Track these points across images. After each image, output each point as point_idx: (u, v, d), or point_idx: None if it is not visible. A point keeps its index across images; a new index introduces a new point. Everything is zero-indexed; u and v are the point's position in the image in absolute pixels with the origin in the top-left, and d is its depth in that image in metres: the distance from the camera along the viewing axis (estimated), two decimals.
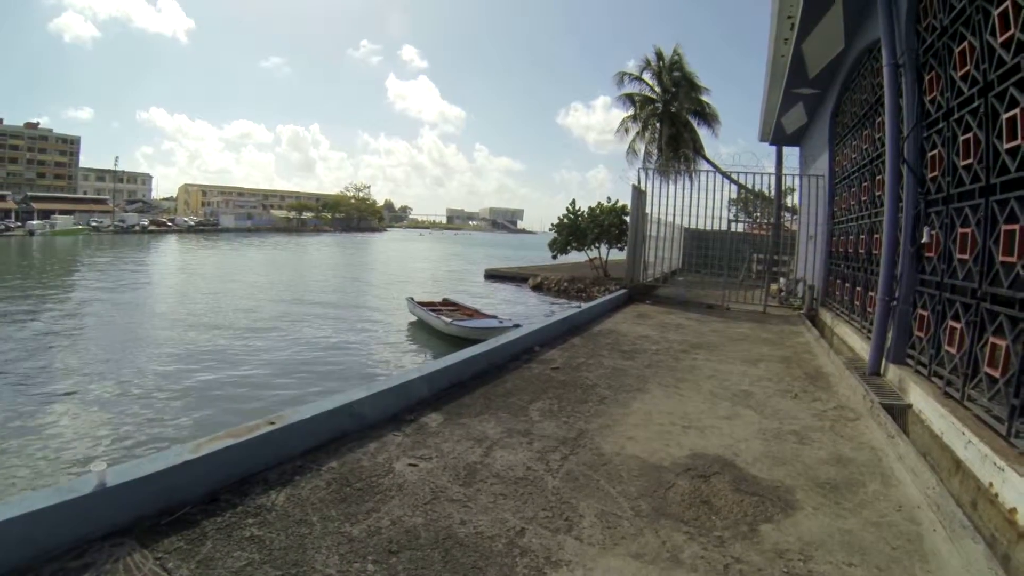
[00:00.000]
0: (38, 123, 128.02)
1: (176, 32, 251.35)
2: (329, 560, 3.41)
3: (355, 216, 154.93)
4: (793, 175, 19.34)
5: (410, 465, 4.73)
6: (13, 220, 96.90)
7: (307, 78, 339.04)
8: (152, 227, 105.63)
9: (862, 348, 9.27)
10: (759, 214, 31.79)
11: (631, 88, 39.45)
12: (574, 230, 31.65)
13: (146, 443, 9.74)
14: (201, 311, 23.05)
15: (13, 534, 3.19)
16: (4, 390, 12.61)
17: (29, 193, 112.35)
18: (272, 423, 4.74)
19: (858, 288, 10.80)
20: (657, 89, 39.06)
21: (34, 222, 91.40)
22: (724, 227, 18.56)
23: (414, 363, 15.10)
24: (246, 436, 4.49)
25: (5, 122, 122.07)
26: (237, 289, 30.83)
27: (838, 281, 12.93)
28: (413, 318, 20.96)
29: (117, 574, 3.26)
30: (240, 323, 20.35)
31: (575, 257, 33.66)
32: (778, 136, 20.96)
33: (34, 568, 3.23)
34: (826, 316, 13.37)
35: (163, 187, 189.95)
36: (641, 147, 39.03)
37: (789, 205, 24.97)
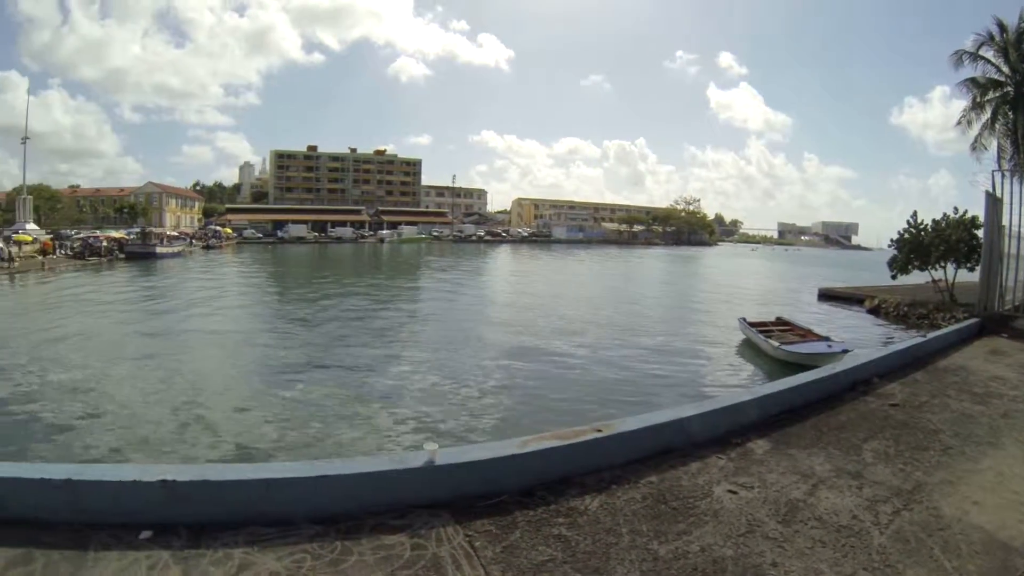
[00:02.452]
0: (385, 150, 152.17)
1: (498, 62, 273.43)
2: (629, 574, 3.41)
3: (685, 229, 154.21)
4: None
5: (730, 492, 4.57)
6: (367, 230, 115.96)
7: (627, 93, 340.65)
8: (488, 237, 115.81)
9: None
10: None
11: (970, 71, 32.84)
12: (916, 246, 27.74)
13: (471, 430, 10.47)
14: (532, 315, 24.56)
15: (350, 486, 4.13)
16: (355, 367, 14.82)
17: (380, 208, 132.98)
18: (599, 431, 4.88)
19: None
20: (1004, 69, 32.22)
21: (384, 232, 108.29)
22: None
23: (744, 385, 14.60)
24: (571, 440, 4.69)
25: (359, 150, 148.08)
26: (567, 297, 32.38)
27: None
28: (744, 337, 20.31)
29: (429, 539, 3.72)
30: (568, 329, 21.32)
31: (916, 277, 29.94)
32: None
33: (358, 517, 3.99)
34: None
35: (498, 201, 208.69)
36: (992, 142, 32.27)
37: None
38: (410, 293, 32.69)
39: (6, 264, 44.16)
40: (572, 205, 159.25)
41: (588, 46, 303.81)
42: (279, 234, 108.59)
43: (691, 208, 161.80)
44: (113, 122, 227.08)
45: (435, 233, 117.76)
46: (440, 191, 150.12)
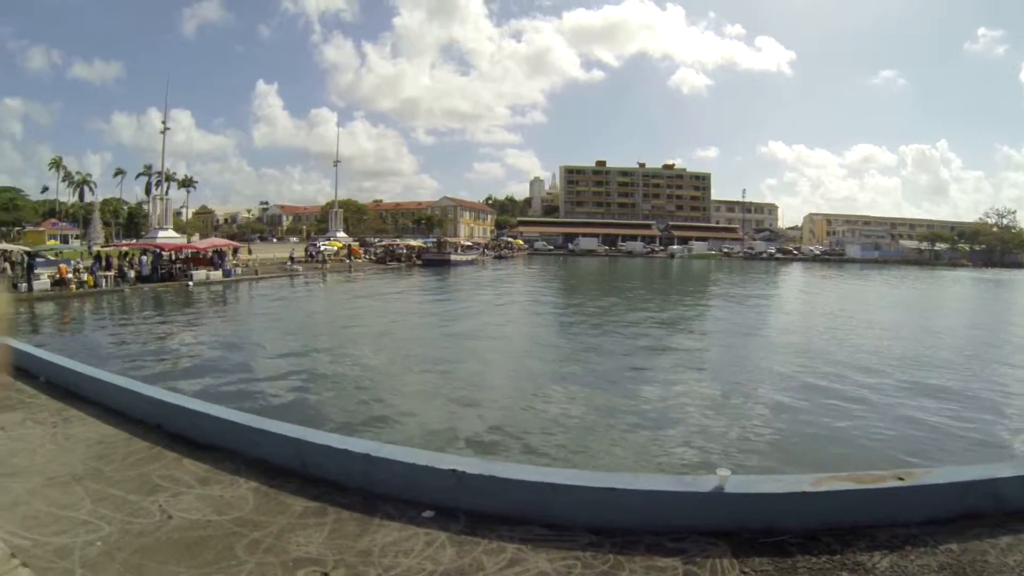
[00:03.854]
0: (673, 164, 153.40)
1: (780, 66, 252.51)
2: None
3: (998, 248, 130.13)
4: None
5: None
6: (657, 245, 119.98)
7: (923, 87, 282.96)
8: (778, 255, 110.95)
9: None
10: None
11: None
12: None
13: (756, 459, 9.99)
14: (821, 342, 22.92)
15: (633, 501, 4.22)
16: (635, 379, 15.08)
17: (670, 223, 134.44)
18: (900, 479, 4.41)
19: None
20: None
21: (674, 247, 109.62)
22: None
23: None
24: (869, 485, 4.32)
25: (647, 165, 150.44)
26: (860, 324, 29.73)
27: None
28: None
29: (703, 568, 3.66)
30: (860, 360, 19.61)
31: None
32: None
33: (635, 533, 4.07)
34: None
35: (788, 216, 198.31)
36: None
37: None
38: (698, 310, 32.51)
39: (319, 265, 54.65)
40: (867, 220, 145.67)
41: (874, 38, 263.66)
42: (570, 247, 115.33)
43: (1005, 222, 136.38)
44: (410, 144, 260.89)
45: (725, 249, 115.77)
46: (730, 206, 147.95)
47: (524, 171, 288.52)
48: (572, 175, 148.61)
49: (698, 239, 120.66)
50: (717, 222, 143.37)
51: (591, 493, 4.29)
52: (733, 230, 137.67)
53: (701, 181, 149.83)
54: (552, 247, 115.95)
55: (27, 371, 10.21)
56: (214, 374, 15.39)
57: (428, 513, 4.55)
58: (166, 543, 4.28)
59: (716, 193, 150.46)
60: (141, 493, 5.15)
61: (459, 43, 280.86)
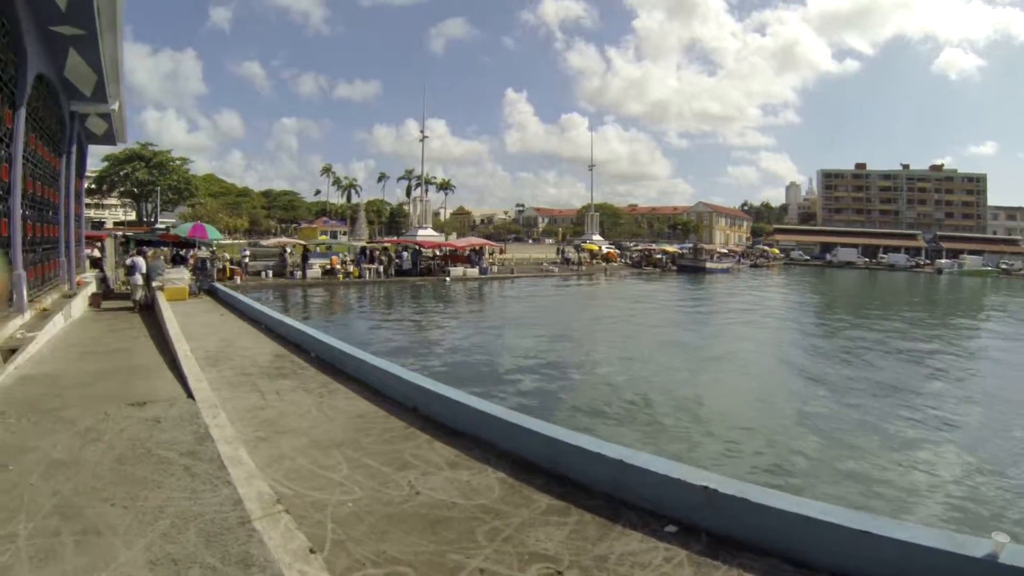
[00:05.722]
0: (942, 164, 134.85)
1: None
2: None
3: None
4: None
5: None
6: (923, 258, 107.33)
7: None
8: None
9: None
10: None
11: None
12: None
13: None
14: None
15: (888, 551, 3.72)
16: (891, 418, 13.02)
17: (938, 233, 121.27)
18: None
19: None
20: None
21: (942, 261, 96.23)
22: None
23: None
24: None
25: (912, 166, 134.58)
26: None
27: None
28: None
29: None
30: None
31: None
32: None
33: None
34: None
35: None
36: None
37: None
38: (969, 337, 28.31)
39: (575, 267, 57.77)
40: None
41: None
42: (827, 257, 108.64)
43: None
44: (662, 148, 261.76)
45: (1003, 265, 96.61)
46: (1010, 212, 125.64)
47: (779, 175, 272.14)
48: (829, 179, 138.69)
49: (971, 252, 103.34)
50: (995, 232, 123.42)
51: (843, 533, 3.86)
52: (1014, 242, 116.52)
53: (975, 184, 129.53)
54: (808, 257, 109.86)
55: (299, 346, 11.70)
56: (465, 364, 16.25)
57: (671, 528, 4.49)
58: (411, 516, 4.65)
59: (993, 198, 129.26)
60: (393, 467, 5.60)
61: (702, 42, 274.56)
